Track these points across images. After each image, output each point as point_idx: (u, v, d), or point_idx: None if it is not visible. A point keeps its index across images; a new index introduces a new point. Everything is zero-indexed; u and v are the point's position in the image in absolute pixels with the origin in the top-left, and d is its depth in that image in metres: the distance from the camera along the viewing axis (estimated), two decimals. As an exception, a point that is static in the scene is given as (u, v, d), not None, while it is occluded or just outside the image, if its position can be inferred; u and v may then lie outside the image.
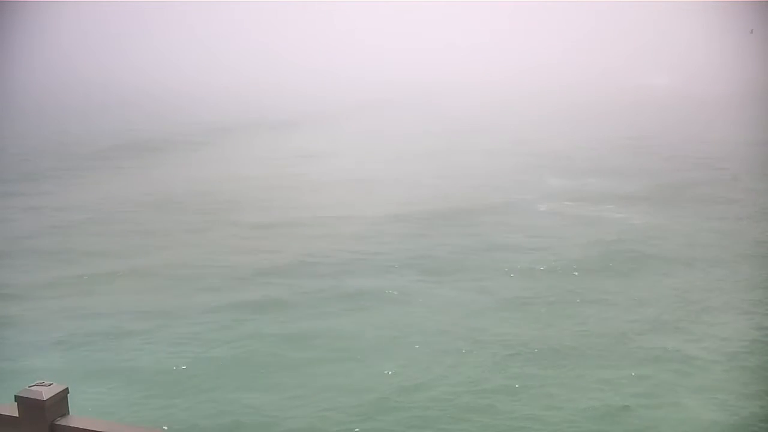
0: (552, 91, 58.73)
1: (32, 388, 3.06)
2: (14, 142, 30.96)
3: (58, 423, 3.03)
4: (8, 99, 49.57)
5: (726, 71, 67.48)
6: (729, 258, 14.73)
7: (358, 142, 31.66)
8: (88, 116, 41.13)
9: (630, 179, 23.39)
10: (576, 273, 13.71)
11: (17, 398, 3.05)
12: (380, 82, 68.56)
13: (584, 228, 17.24)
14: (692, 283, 13.22)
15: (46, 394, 3.02)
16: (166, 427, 8.23)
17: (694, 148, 29.80)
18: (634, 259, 14.66)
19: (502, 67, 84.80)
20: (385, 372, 9.64)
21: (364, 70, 78.75)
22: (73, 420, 3.06)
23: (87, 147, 29.93)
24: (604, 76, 70.46)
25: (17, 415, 3.05)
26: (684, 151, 28.96)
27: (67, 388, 3.10)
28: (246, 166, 26.33)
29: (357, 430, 8.31)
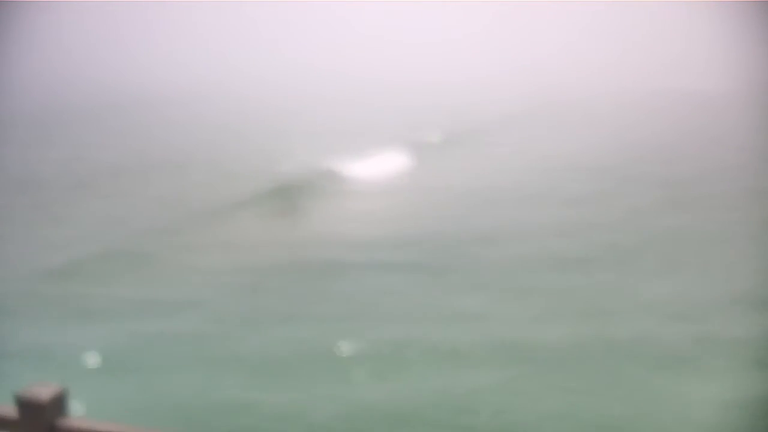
0: (547, 92, 58.46)
1: (32, 388, 3.04)
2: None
3: (57, 424, 3.01)
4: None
5: (729, 71, 67.52)
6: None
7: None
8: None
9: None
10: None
11: (16, 399, 3.03)
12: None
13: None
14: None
15: (45, 394, 3.00)
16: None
17: (711, 152, 29.47)
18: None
19: (496, 67, 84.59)
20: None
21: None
22: (73, 421, 3.04)
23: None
24: (601, 76, 70.47)
25: (16, 416, 3.03)
26: (702, 156, 28.59)
27: (67, 389, 3.08)
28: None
29: None
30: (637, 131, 35.74)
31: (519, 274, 14.52)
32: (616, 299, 12.91)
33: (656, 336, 11.21)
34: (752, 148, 30.11)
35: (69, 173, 25.26)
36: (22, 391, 3.03)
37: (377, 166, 27.18)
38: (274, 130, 36.66)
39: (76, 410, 3.32)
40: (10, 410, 3.07)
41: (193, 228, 18.38)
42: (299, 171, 25.64)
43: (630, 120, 41.22)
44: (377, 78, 74.17)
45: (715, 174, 24.34)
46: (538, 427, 8.87)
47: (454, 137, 34.41)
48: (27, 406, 3.00)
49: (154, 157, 28.44)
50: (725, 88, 57.78)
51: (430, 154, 29.80)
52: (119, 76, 74.80)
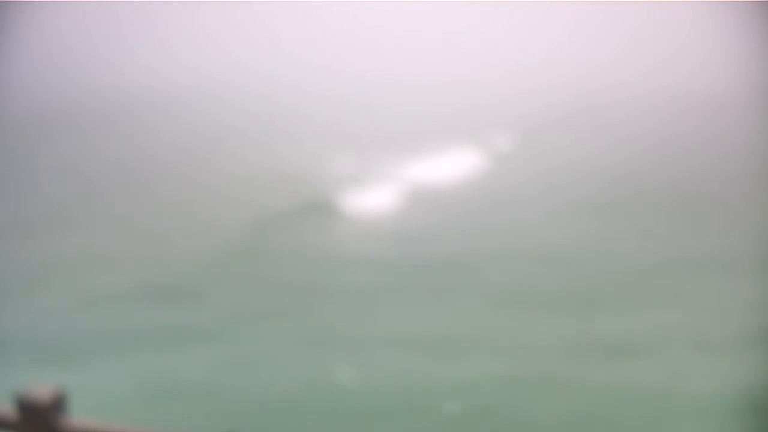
0: (544, 92, 58.31)
1: (31, 389, 3.03)
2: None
3: (57, 424, 3.00)
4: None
5: (725, 71, 67.36)
6: None
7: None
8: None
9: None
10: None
11: (16, 399, 3.03)
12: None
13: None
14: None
15: (45, 395, 3.00)
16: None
17: (711, 151, 29.34)
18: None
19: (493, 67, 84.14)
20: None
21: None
22: (73, 422, 3.04)
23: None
24: (592, 75, 70.08)
25: (16, 417, 3.03)
26: (703, 155, 28.45)
27: (67, 389, 3.08)
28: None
29: None
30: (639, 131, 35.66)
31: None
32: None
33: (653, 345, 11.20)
34: (754, 148, 30.11)
35: (72, 174, 25.22)
36: (22, 391, 3.03)
37: (395, 172, 26.61)
38: (282, 131, 36.63)
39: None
40: (9, 410, 3.07)
41: (198, 236, 17.91)
42: (311, 174, 25.27)
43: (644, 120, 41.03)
44: (386, 78, 73.93)
45: (715, 174, 24.28)
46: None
47: (462, 141, 34.36)
48: (27, 407, 3.00)
49: (159, 159, 28.30)
50: (730, 88, 57.60)
51: (441, 158, 29.64)
52: (124, 75, 74.46)
